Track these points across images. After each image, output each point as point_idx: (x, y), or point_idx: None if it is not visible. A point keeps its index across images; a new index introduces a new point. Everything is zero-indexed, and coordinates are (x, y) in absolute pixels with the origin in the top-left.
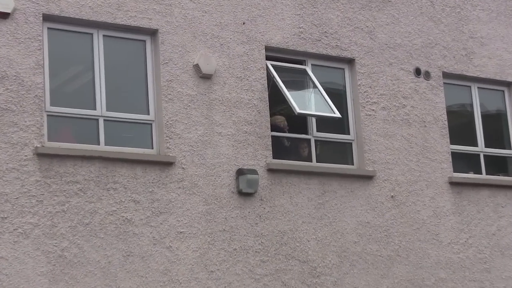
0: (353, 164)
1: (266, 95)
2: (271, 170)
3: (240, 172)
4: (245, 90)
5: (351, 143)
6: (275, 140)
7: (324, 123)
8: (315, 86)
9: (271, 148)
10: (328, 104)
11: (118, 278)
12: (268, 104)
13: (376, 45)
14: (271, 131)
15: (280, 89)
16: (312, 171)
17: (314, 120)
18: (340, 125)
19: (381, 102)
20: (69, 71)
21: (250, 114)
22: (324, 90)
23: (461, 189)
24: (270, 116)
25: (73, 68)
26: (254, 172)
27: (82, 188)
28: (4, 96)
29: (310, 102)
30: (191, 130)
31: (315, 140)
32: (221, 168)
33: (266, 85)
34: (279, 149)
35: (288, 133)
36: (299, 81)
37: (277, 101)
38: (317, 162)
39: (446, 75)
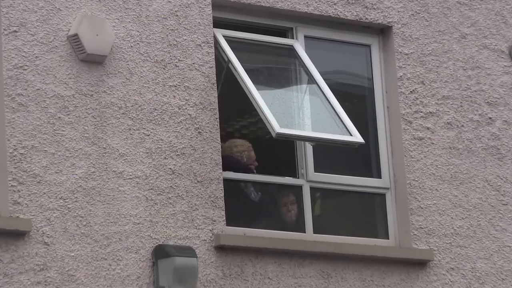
0: (387, 237)
1: (214, 97)
2: (222, 249)
3: (160, 253)
4: (171, 88)
5: (383, 195)
6: (231, 189)
7: (330, 155)
8: (312, 81)
9: (223, 204)
10: (338, 117)
11: None
12: (217, 115)
13: (434, 2)
14: (224, 169)
15: (243, 86)
16: (305, 251)
17: (309, 149)
18: (361, 158)
19: (444, 111)
20: None
21: (181, 136)
22: (331, 87)
23: None
24: (223, 141)
25: None
26: (189, 252)
27: None
28: None
29: (302, 114)
30: (62, 167)
31: (312, 189)
32: (122, 244)
33: (213, 77)
34: (240, 206)
35: (258, 175)
36: (280, 71)
37: (236, 110)
38: (315, 232)
39: None
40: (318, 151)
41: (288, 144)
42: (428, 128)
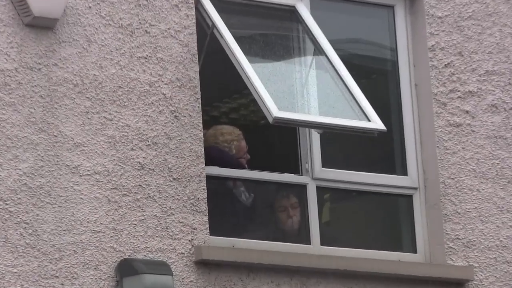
0: (415, 251)
1: (194, 72)
2: (205, 265)
3: (126, 270)
4: (140, 60)
5: (410, 197)
6: (217, 189)
7: (342, 146)
8: (319, 52)
9: (206, 208)
10: (353, 97)
11: None
12: (199, 95)
13: None
14: (208, 164)
15: (232, 58)
16: (310, 268)
17: (315, 138)
18: (381, 150)
19: (488, 90)
20: None
21: (153, 122)
22: (344, 60)
23: None
24: (206, 128)
25: None
26: (162, 268)
27: None
28: None
29: (307, 93)
30: (2, 160)
31: (319, 189)
32: (77, 258)
33: (194, 47)
34: (228, 210)
35: (251, 171)
36: (279, 39)
37: (223, 88)
38: (323, 244)
39: None
40: (326, 141)
41: (288, 131)
42: (467, 112)
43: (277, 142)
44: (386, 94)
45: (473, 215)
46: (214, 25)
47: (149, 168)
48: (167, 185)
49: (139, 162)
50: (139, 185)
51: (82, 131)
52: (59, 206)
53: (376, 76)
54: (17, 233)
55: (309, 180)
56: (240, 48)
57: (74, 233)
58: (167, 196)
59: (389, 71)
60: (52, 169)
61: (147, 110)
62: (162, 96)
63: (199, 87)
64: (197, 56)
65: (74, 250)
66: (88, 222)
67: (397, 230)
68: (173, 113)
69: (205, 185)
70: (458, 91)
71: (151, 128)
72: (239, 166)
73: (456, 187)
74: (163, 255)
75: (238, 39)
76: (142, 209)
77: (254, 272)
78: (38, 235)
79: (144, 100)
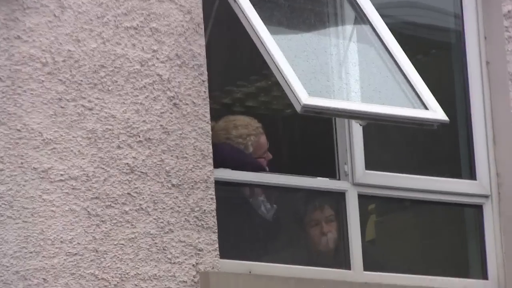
0: (485, 277)
1: (199, 47)
2: None
3: None
4: (129, 32)
5: (480, 207)
6: (229, 198)
7: (392, 143)
8: (361, 20)
9: (214, 223)
10: (406, 80)
11: None
12: (206, 77)
13: None
14: (217, 166)
15: (248, 28)
16: None
17: (357, 133)
18: (442, 148)
19: None
20: None
21: (145, 112)
22: (393, 31)
23: None
24: (215, 119)
25: None
26: None
27: None
28: None
29: (346, 74)
30: None
31: (361, 197)
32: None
33: (199, 14)
34: (243, 226)
35: (273, 174)
36: (309, 2)
37: (237, 68)
38: (367, 269)
39: None
40: (371, 136)
41: (322, 123)
42: None
43: (308, 138)
44: (449, 74)
45: None
46: None
47: (141, 172)
48: (164, 193)
49: (127, 163)
50: (128, 193)
51: (53, 124)
52: (23, 221)
53: (436, 52)
54: None
55: (349, 186)
56: (259, 15)
57: (43, 256)
58: (164, 208)
59: (452, 45)
60: (15, 173)
61: (137, 96)
62: (157, 78)
63: (206, 66)
64: (202, 26)
65: (44, 278)
66: (61, 242)
67: (463, 250)
68: (171, 100)
69: (213, 193)
70: None
71: (143, 119)
72: (258, 169)
73: None
74: (159, 284)
75: (256, 2)
76: (132, 225)
77: None
78: None
79: (134, 84)
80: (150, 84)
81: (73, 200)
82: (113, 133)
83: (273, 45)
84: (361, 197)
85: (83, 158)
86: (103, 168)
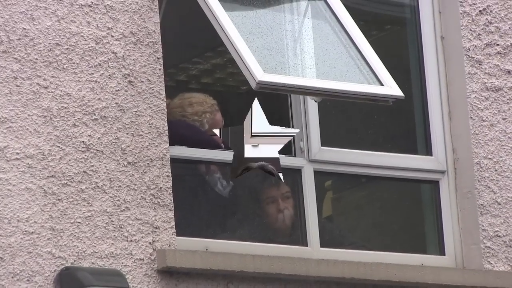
0: (442, 253)
1: (154, 23)
2: (171, 274)
3: (69, 282)
4: (84, 9)
5: (436, 183)
6: (184, 176)
7: (347, 119)
8: None
9: (171, 201)
10: (361, 55)
11: None
12: (160, 54)
13: None
14: (173, 143)
15: (203, 5)
16: (308, 277)
17: (312, 109)
18: (398, 124)
19: None
20: None
21: (100, 89)
22: (348, 6)
23: None
24: (170, 97)
25: None
26: (115, 279)
27: None
28: None
29: (301, 50)
30: None
31: (317, 173)
32: (5, 268)
33: None
34: (199, 203)
35: (228, 151)
36: None
37: (192, 45)
38: (323, 246)
39: None
40: (327, 113)
41: (277, 100)
42: (509, 72)
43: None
44: (404, 50)
45: None
46: None
47: (97, 150)
48: (120, 171)
49: (83, 141)
50: (84, 171)
51: (9, 103)
52: None
53: (391, 27)
54: None
55: (305, 163)
56: None
57: (0, 235)
58: (120, 186)
59: (407, 20)
60: None
61: (93, 74)
62: (112, 55)
63: (160, 43)
64: (157, 3)
65: (1, 257)
66: (18, 220)
67: (419, 227)
68: (126, 78)
69: (169, 170)
70: (497, 45)
71: (98, 97)
72: (214, 146)
73: (496, 170)
74: (116, 262)
75: None
76: (89, 203)
77: (234, 283)
78: None
79: (89, 62)
80: (105, 61)
81: (29, 178)
82: (68, 111)
83: (228, 21)
84: (317, 173)
85: (39, 137)
86: (59, 147)
